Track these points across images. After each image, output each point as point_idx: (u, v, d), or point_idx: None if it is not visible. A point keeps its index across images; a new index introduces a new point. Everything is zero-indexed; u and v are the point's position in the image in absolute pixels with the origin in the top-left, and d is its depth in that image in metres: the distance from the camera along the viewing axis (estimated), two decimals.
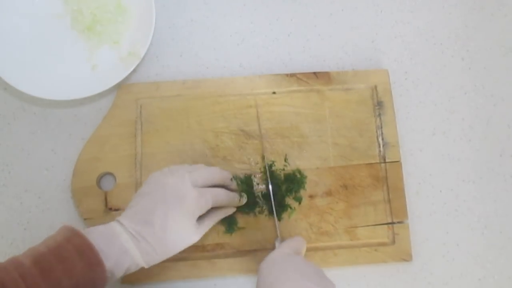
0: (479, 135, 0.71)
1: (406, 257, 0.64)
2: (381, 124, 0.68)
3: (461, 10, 0.76)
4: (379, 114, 0.69)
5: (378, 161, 0.67)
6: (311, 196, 0.66)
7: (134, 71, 0.67)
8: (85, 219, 0.63)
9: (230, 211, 0.62)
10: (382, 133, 0.68)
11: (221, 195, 0.59)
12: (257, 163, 0.66)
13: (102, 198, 0.64)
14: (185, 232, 0.54)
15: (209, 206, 0.56)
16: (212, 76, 0.71)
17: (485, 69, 0.74)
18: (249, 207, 0.64)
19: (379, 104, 0.69)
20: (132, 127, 0.66)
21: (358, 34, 0.74)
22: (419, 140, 0.71)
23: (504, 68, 0.74)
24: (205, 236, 0.62)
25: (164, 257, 0.54)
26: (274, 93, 0.69)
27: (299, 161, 0.67)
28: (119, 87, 0.68)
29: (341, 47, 0.73)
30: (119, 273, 0.50)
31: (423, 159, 0.70)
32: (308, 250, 0.63)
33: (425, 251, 0.66)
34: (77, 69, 0.69)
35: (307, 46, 0.73)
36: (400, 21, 0.75)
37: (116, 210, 0.64)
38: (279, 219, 0.64)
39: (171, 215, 0.53)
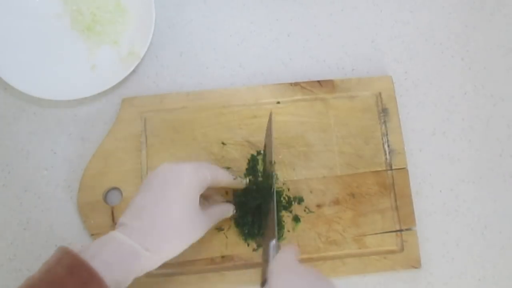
0: (479, 135, 0.72)
1: (415, 264, 0.65)
2: (387, 131, 0.68)
3: (461, 10, 0.76)
4: (384, 121, 0.69)
5: (384, 169, 0.67)
6: (318, 206, 0.66)
7: (133, 71, 0.68)
8: (92, 234, 0.63)
9: (230, 209, 0.60)
10: (388, 140, 0.68)
11: (220, 171, 0.56)
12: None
13: (109, 213, 0.64)
14: (187, 217, 0.51)
15: (208, 182, 0.54)
16: (211, 76, 0.71)
17: (485, 69, 0.74)
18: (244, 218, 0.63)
19: (384, 111, 0.69)
20: (137, 141, 0.66)
21: (358, 34, 0.74)
22: (419, 140, 0.71)
23: (504, 68, 0.74)
24: (214, 248, 0.63)
25: (171, 253, 0.51)
26: (278, 102, 0.68)
27: (305, 171, 0.67)
28: (123, 100, 0.68)
29: (341, 47, 0.73)
30: (126, 280, 0.47)
31: (423, 159, 0.70)
32: (316, 259, 0.64)
33: (425, 251, 0.66)
34: (77, 69, 0.69)
35: (307, 46, 0.73)
36: (400, 21, 0.75)
37: None
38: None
39: (167, 197, 0.50)
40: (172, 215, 0.50)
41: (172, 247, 0.51)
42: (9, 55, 0.66)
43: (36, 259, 0.64)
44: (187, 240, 0.52)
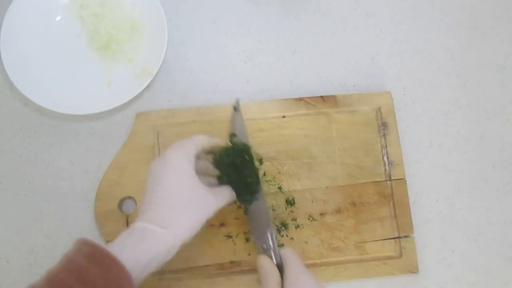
0: (473, 148, 0.73)
1: (413, 269, 0.66)
2: (386, 143, 0.70)
3: (456, 30, 0.77)
4: (384, 134, 0.70)
5: (384, 179, 0.69)
6: (321, 214, 0.68)
7: (147, 87, 0.69)
8: (107, 241, 0.65)
9: (230, 191, 0.58)
10: (387, 152, 0.70)
11: (201, 139, 0.57)
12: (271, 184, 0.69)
13: (124, 221, 0.66)
14: (191, 190, 0.52)
15: (195, 153, 0.55)
16: (220, 92, 0.73)
17: (479, 85, 0.75)
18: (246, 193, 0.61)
19: (383, 125, 0.71)
20: (150, 153, 0.68)
21: (359, 52, 0.75)
22: (417, 152, 0.72)
23: (497, 84, 0.76)
24: (223, 254, 0.66)
25: (187, 228, 0.51)
26: (283, 117, 0.70)
27: (309, 181, 0.69)
28: (137, 114, 0.69)
29: (342, 64, 0.75)
30: (149, 262, 0.48)
31: (420, 170, 0.72)
32: (320, 265, 0.66)
33: (422, 257, 0.68)
34: (94, 86, 0.70)
35: (311, 64, 0.75)
36: (398, 40, 0.76)
37: None
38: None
39: (166, 180, 0.51)
40: (175, 191, 0.51)
41: (185, 220, 0.51)
42: (30, 72, 0.68)
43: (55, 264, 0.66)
44: (199, 213, 0.52)
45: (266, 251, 0.58)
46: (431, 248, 0.70)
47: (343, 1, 0.77)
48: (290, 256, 0.55)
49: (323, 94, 0.72)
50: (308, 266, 0.66)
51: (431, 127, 0.74)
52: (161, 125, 0.69)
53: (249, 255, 0.67)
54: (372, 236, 0.68)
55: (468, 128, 0.74)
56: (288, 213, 0.68)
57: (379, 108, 0.71)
